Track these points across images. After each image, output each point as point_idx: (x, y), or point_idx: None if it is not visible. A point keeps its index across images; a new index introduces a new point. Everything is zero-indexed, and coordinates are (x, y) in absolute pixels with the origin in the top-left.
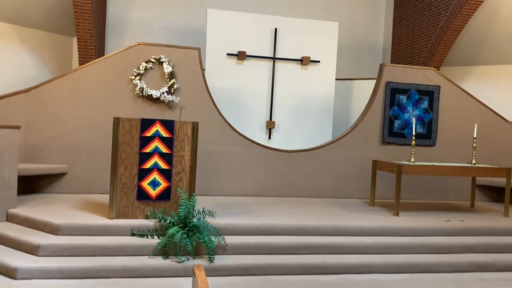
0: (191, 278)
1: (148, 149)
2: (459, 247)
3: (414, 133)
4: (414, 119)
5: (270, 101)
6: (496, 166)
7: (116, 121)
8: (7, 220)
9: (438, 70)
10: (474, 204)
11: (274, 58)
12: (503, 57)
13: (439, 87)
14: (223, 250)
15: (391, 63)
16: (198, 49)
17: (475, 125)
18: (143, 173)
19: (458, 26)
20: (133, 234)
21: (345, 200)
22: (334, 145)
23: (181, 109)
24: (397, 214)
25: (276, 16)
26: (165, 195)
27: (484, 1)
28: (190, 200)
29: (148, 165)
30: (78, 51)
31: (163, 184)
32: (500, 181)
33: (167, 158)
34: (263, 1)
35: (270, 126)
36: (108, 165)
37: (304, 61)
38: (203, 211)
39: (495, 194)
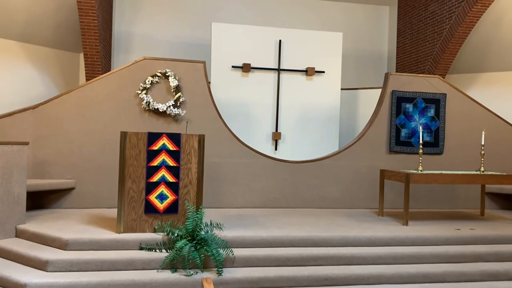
0: None
1: (155, 163)
2: (470, 256)
3: (421, 141)
4: (421, 128)
5: (275, 112)
6: (505, 173)
7: (123, 135)
8: (16, 236)
9: (443, 78)
10: (484, 212)
11: (279, 70)
12: (509, 63)
13: (445, 95)
14: (231, 262)
15: (396, 72)
16: (204, 62)
17: (483, 132)
18: (151, 187)
19: (462, 33)
20: (141, 248)
21: (353, 210)
22: (341, 155)
23: (187, 122)
24: (406, 224)
25: (280, 28)
26: (172, 208)
27: (488, 8)
28: (198, 213)
29: (155, 178)
30: (85, 67)
31: (171, 197)
32: (510, 188)
33: (174, 171)
34: (266, 13)
35: (276, 137)
36: (116, 179)
37: (309, 71)
38: (211, 223)
39: (505, 201)
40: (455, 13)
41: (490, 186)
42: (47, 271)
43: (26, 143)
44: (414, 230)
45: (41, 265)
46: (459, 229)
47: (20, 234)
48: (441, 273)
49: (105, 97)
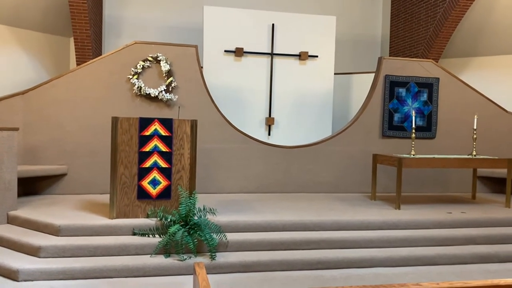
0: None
1: (147, 148)
2: (461, 239)
3: (414, 126)
4: (413, 112)
5: (269, 97)
6: (497, 157)
7: (115, 121)
8: (8, 222)
9: (436, 62)
10: (476, 196)
11: (272, 54)
12: (502, 47)
13: (438, 79)
14: (225, 247)
15: (389, 56)
16: (196, 46)
17: (475, 116)
18: (143, 172)
19: (455, 17)
20: (134, 234)
21: (346, 195)
22: (334, 140)
23: (179, 107)
24: (399, 208)
25: (273, 12)
26: (165, 193)
27: None
28: (191, 198)
29: (147, 164)
30: (75, 51)
31: (163, 183)
32: (501, 172)
33: (166, 156)
34: None
35: (269, 122)
36: (108, 165)
37: (302, 56)
38: (204, 209)
39: (496, 185)
40: None
41: (482, 170)
42: (39, 257)
43: (16, 129)
44: (407, 213)
45: (33, 251)
46: (450, 213)
47: (12, 221)
48: (433, 256)
49: (96, 82)
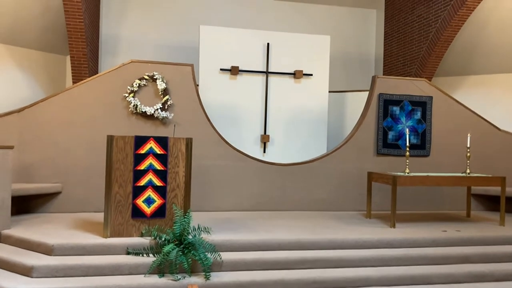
0: None
1: (142, 167)
2: (456, 258)
3: (408, 144)
4: (407, 130)
5: (264, 115)
6: (490, 175)
7: (110, 139)
8: (0, 241)
9: (430, 80)
10: (470, 214)
11: (267, 73)
12: (494, 66)
13: (431, 97)
14: (219, 267)
15: (383, 75)
16: (191, 65)
17: (468, 134)
18: (138, 191)
19: (448, 37)
20: (128, 253)
21: (341, 213)
22: (329, 158)
23: (174, 126)
24: (393, 226)
25: (268, 31)
26: (160, 212)
27: (473, 12)
28: (185, 216)
29: (142, 182)
30: (72, 69)
31: (158, 201)
32: (495, 190)
33: (161, 175)
34: (254, 16)
35: (264, 140)
36: (103, 183)
37: (297, 74)
38: (199, 227)
39: (491, 203)
40: (441, 16)
41: (476, 187)
42: (32, 277)
43: (11, 147)
44: (401, 232)
45: (26, 271)
46: (445, 231)
47: (5, 240)
48: (428, 275)
49: (92, 100)
